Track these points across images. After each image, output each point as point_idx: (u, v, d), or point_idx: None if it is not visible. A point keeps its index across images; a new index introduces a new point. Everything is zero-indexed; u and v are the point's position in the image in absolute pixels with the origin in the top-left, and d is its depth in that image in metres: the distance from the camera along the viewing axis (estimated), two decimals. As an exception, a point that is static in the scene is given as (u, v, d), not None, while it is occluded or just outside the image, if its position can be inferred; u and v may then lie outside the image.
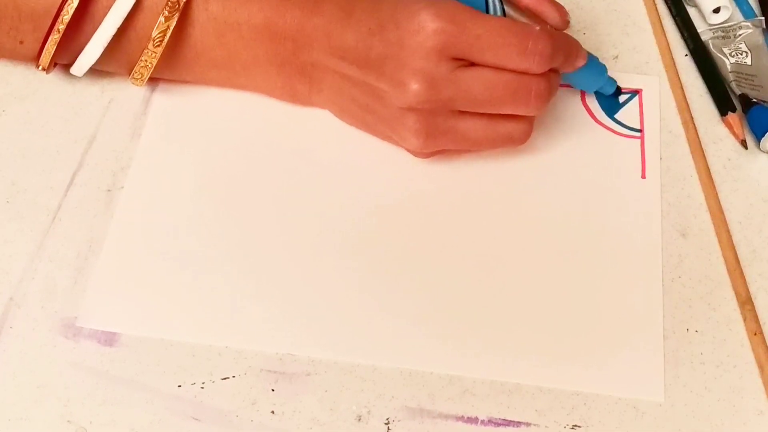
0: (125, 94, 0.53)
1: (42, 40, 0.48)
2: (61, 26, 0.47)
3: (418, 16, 0.45)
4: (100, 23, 0.47)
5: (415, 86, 0.45)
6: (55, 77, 0.52)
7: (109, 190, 0.49)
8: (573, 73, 0.50)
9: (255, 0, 0.48)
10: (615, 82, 0.53)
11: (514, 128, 0.48)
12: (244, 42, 0.49)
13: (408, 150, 0.50)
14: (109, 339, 0.45)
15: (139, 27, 0.48)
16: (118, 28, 0.47)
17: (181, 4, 0.47)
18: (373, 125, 0.50)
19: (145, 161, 0.50)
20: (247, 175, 0.50)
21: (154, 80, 0.53)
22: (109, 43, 0.48)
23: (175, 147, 0.51)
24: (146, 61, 0.48)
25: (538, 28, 0.46)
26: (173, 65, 0.50)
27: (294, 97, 0.51)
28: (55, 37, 0.47)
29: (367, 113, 0.49)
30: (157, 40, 0.47)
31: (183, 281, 0.46)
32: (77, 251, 0.47)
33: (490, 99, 0.46)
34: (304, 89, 0.50)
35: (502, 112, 0.47)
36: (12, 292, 0.46)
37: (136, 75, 0.49)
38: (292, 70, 0.49)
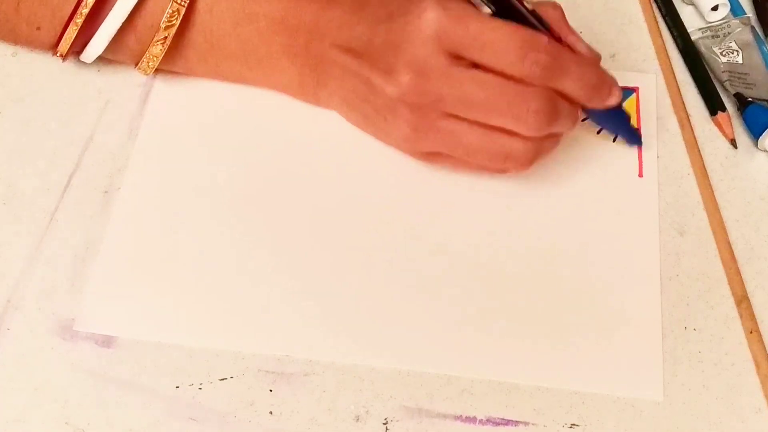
0: (122, 95, 0.53)
1: (62, 28, 0.48)
2: (78, 20, 0.48)
3: (423, 7, 0.45)
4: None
5: (405, 77, 0.45)
6: (52, 78, 0.52)
7: (106, 192, 0.49)
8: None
9: None
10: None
11: (513, 145, 0.46)
12: (260, 34, 0.49)
13: (402, 148, 0.50)
14: (106, 340, 0.45)
15: (148, 14, 0.48)
16: (128, 17, 0.48)
17: None
18: (371, 117, 0.49)
19: (141, 162, 0.50)
20: (243, 176, 0.50)
21: (152, 80, 0.53)
22: (119, 32, 0.48)
23: (172, 148, 0.51)
24: (157, 45, 0.48)
25: (547, 40, 0.45)
26: (186, 54, 0.50)
27: (301, 90, 0.51)
28: (73, 29, 0.48)
29: (366, 103, 0.49)
30: (165, 24, 0.48)
31: (180, 283, 0.46)
32: (74, 253, 0.47)
33: (484, 103, 0.45)
34: (311, 83, 0.51)
35: (495, 123, 0.45)
36: (9, 293, 0.46)
37: (144, 62, 0.49)
38: (301, 63, 0.50)
